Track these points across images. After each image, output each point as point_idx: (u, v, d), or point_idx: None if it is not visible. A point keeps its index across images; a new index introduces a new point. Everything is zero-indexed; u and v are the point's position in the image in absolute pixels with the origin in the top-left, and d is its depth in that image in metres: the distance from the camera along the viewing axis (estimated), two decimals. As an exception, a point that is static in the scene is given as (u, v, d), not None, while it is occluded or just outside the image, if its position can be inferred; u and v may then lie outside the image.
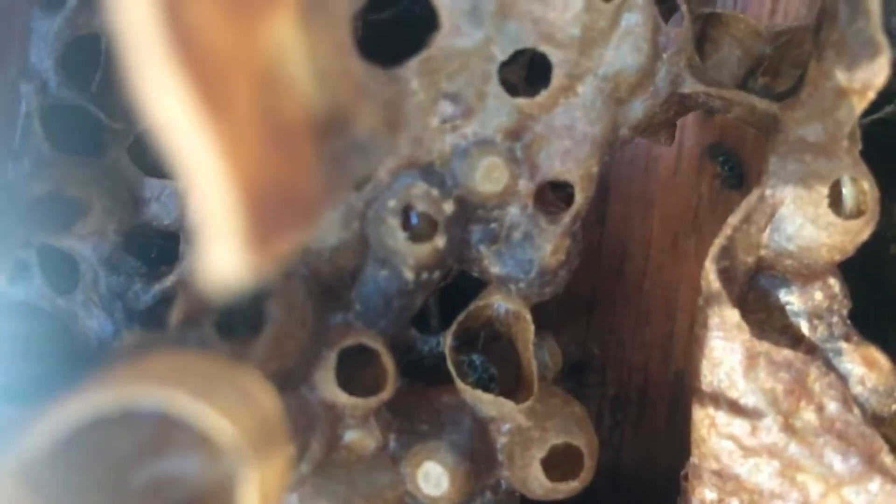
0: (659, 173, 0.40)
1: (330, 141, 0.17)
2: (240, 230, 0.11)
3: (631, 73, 0.27)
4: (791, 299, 0.28)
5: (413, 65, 0.24)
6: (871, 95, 0.24)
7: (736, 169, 0.39)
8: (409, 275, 0.25)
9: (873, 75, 0.24)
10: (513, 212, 0.27)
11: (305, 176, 0.16)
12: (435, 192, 0.25)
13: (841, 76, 0.24)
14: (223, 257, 0.11)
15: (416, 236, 0.25)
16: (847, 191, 0.27)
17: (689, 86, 0.28)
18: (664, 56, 0.28)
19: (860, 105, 0.25)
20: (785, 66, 0.31)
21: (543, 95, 0.26)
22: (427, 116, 0.25)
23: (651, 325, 0.41)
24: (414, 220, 0.25)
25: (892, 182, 0.35)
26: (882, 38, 0.23)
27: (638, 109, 0.28)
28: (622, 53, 0.26)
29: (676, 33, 0.28)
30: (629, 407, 0.41)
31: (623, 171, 0.40)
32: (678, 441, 0.37)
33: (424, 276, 0.26)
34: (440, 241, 0.25)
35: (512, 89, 0.26)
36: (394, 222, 0.25)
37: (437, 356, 0.29)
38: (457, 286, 0.30)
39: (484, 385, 0.28)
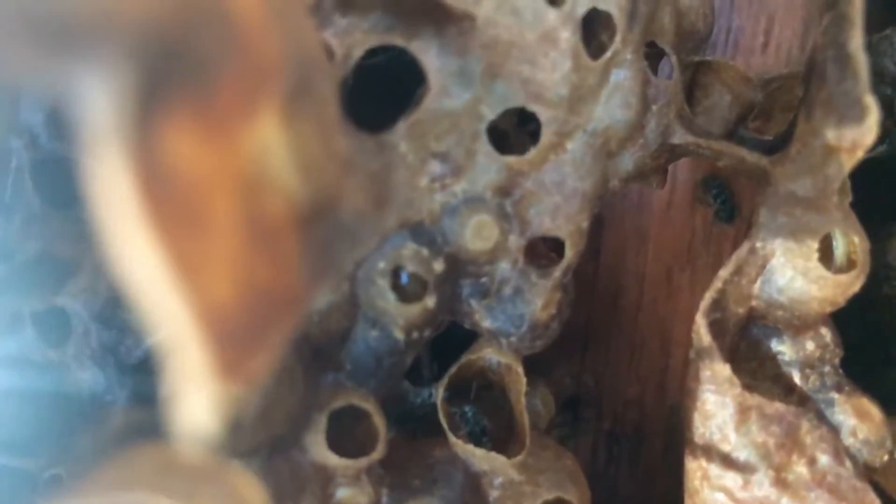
0: (653, 207, 0.40)
1: (315, 230, 0.17)
2: (214, 374, 0.11)
3: (620, 128, 0.27)
4: (783, 349, 0.28)
5: (401, 128, 0.24)
6: (861, 154, 0.24)
7: (728, 202, 0.39)
8: (399, 335, 0.25)
9: (862, 136, 0.23)
10: (503, 267, 0.27)
11: (289, 274, 0.16)
12: (425, 251, 0.25)
13: (829, 134, 0.24)
14: (197, 404, 0.11)
15: (406, 296, 0.25)
16: (838, 244, 0.27)
17: (679, 137, 0.28)
18: (654, 108, 0.28)
19: (849, 163, 0.25)
20: (776, 111, 0.31)
21: (532, 153, 0.26)
22: (416, 177, 0.25)
23: (646, 358, 0.41)
24: (404, 279, 0.25)
25: (884, 222, 0.35)
26: (870, 100, 0.23)
27: (628, 161, 0.28)
28: (611, 109, 0.26)
29: (666, 85, 0.28)
30: (624, 441, 0.41)
31: (617, 204, 0.40)
32: (674, 475, 0.37)
33: (415, 335, 0.26)
34: (430, 301, 0.25)
35: (503, 136, 0.26)
36: (383, 283, 0.25)
37: (429, 407, 0.29)
38: (449, 332, 0.30)
39: (476, 437, 0.28)
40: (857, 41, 0.23)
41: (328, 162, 0.18)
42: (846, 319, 0.29)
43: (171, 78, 0.10)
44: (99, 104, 0.09)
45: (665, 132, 0.28)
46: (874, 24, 0.36)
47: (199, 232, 0.12)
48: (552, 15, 0.24)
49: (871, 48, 0.34)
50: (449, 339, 0.29)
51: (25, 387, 0.29)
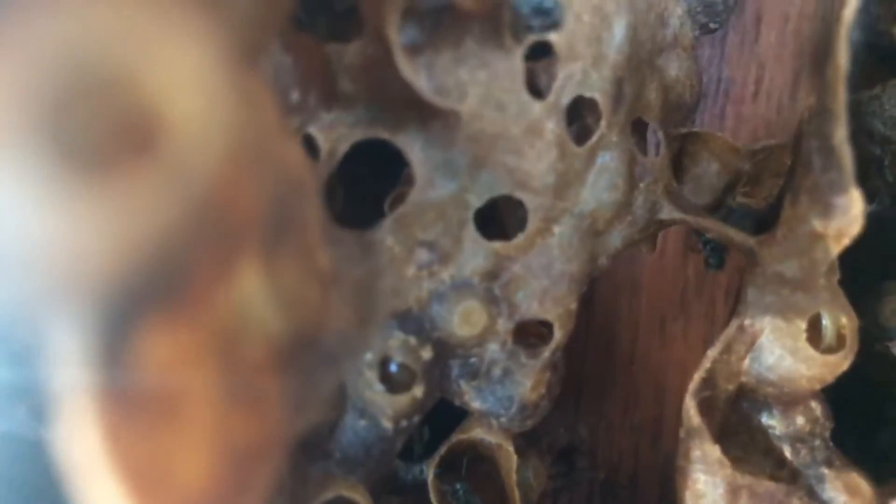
0: (645, 256, 0.40)
1: (296, 363, 0.17)
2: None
3: (607, 209, 0.27)
4: (773, 423, 0.28)
5: (387, 224, 0.24)
6: (847, 242, 0.24)
7: (717, 249, 0.39)
8: (387, 424, 0.25)
9: (847, 226, 0.23)
10: (492, 348, 0.27)
11: (270, 420, 0.16)
12: (413, 340, 0.25)
13: (815, 222, 0.24)
14: None
15: (395, 387, 0.25)
16: (827, 322, 0.27)
17: (667, 213, 0.28)
18: (641, 185, 0.28)
19: (836, 248, 0.25)
20: (765, 176, 0.31)
21: (520, 238, 0.26)
22: (403, 267, 0.25)
23: (640, 408, 0.41)
24: (392, 368, 0.25)
25: (876, 280, 0.35)
26: (856, 193, 0.23)
27: (616, 239, 0.28)
28: (598, 191, 0.26)
29: (653, 163, 0.28)
30: (620, 490, 0.41)
31: (609, 255, 0.40)
32: (669, 525, 0.37)
33: (403, 423, 0.26)
34: (419, 391, 0.25)
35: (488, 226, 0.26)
36: (371, 375, 0.25)
37: (420, 482, 0.29)
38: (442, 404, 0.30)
39: (468, 515, 0.28)
40: (841, 135, 0.23)
41: (310, 289, 0.18)
42: (837, 378, 0.29)
43: (143, 302, 0.10)
44: (65, 358, 0.09)
45: (653, 208, 0.28)
46: (866, 78, 0.36)
47: (172, 426, 0.12)
48: (537, 107, 0.24)
49: (860, 107, 0.34)
50: (441, 413, 0.29)
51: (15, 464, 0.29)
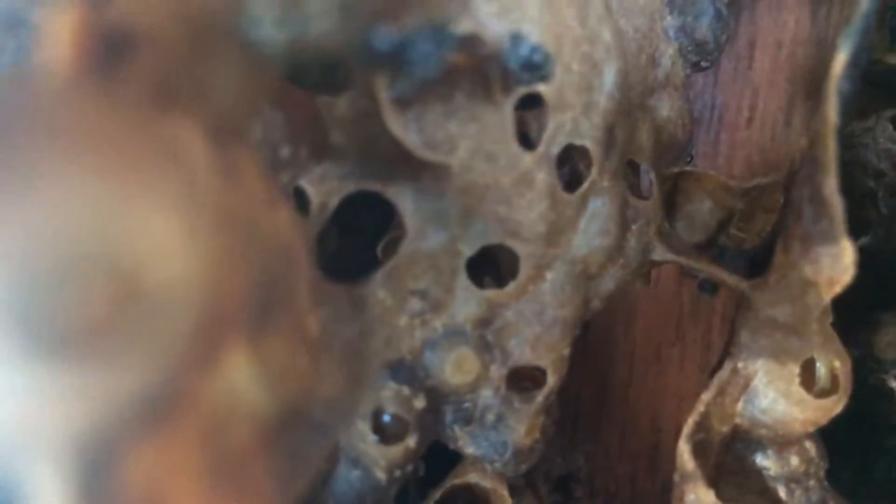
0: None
1: (284, 439, 0.17)
2: None
3: (599, 254, 0.27)
4: (768, 464, 0.28)
5: (378, 277, 0.24)
6: (839, 289, 0.24)
7: (713, 275, 0.39)
8: (381, 475, 0.25)
9: (839, 275, 0.23)
10: (485, 394, 0.27)
11: (258, 500, 0.16)
12: (405, 390, 0.25)
13: (807, 269, 0.24)
14: None
15: (388, 437, 0.25)
16: (820, 364, 0.27)
17: (660, 254, 0.28)
18: (633, 228, 0.28)
19: (828, 295, 0.25)
20: (758, 212, 0.31)
21: (512, 286, 0.26)
22: (395, 317, 0.25)
23: (636, 435, 0.41)
24: (386, 418, 0.25)
25: (871, 314, 0.35)
26: (847, 243, 0.23)
27: (609, 282, 0.28)
28: (590, 237, 0.26)
29: (645, 205, 0.28)
30: (617, 518, 0.41)
31: (604, 283, 0.40)
32: (666, 553, 0.37)
33: (397, 473, 0.26)
34: (412, 441, 0.25)
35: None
36: (364, 427, 0.25)
37: (415, 526, 0.29)
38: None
39: (462, 559, 0.28)
40: (831, 186, 0.23)
41: (299, 361, 0.18)
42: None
43: (125, 437, 0.10)
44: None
45: (645, 250, 0.28)
46: (861, 106, 0.36)
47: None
48: (527, 158, 0.24)
49: (853, 139, 0.34)
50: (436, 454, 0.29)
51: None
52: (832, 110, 0.22)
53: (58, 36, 0.09)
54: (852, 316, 0.29)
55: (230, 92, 0.15)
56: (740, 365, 0.27)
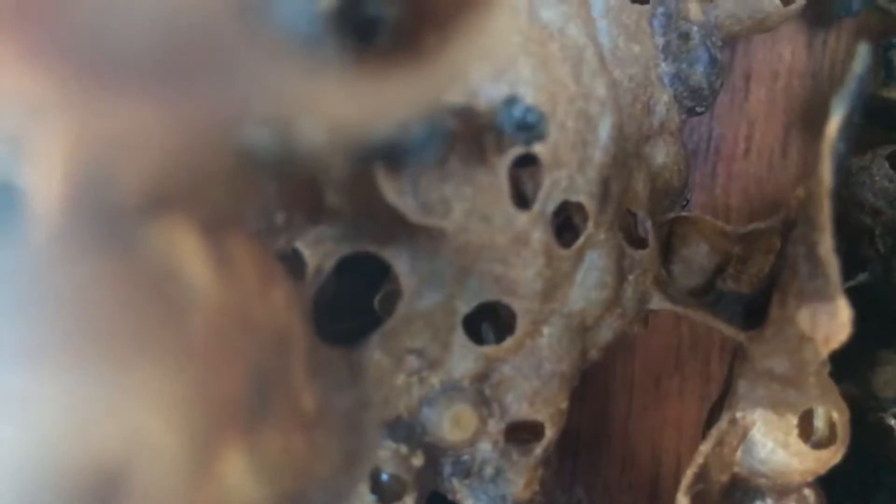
0: (639, 317, 0.40)
1: (282, 526, 0.17)
2: None
3: (596, 307, 0.27)
4: (767, 511, 0.28)
5: (374, 339, 0.24)
6: (835, 346, 0.24)
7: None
8: (380, 534, 0.25)
9: (835, 333, 0.23)
10: (483, 447, 0.27)
11: None
12: (403, 448, 0.25)
13: (803, 325, 0.24)
14: None
15: (386, 496, 0.25)
16: (818, 417, 0.27)
17: (657, 303, 0.28)
18: (630, 278, 0.28)
19: (825, 350, 0.25)
20: (755, 253, 0.31)
21: (509, 342, 0.26)
22: (393, 376, 0.25)
23: (636, 467, 0.41)
24: (384, 477, 0.25)
25: (869, 350, 0.35)
26: (843, 302, 0.23)
27: (606, 332, 0.28)
28: (587, 291, 0.26)
29: (641, 255, 0.28)
30: (618, 550, 0.41)
31: (603, 316, 0.40)
32: (667, 585, 0.37)
33: (397, 531, 0.26)
34: (410, 500, 0.25)
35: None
36: (362, 488, 0.25)
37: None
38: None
39: None
40: (826, 246, 0.23)
41: (295, 446, 0.18)
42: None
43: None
44: None
45: (642, 299, 0.28)
46: (858, 139, 0.36)
47: None
48: (523, 218, 0.24)
49: (850, 177, 0.34)
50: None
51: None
52: (827, 172, 0.22)
53: (46, 186, 0.09)
54: (850, 353, 0.29)
55: (224, 187, 0.15)
56: (738, 415, 0.27)
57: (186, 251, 0.14)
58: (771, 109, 0.40)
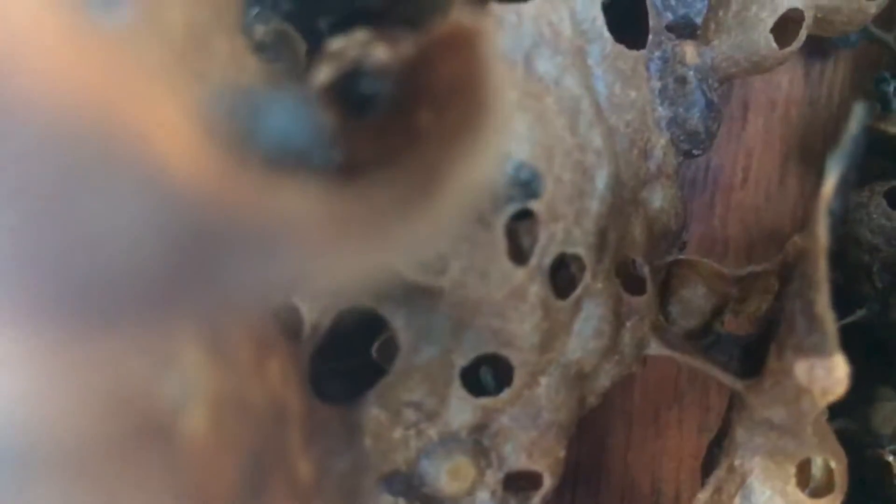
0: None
1: None
2: None
3: (594, 356, 0.27)
4: (765, 555, 0.28)
5: (371, 396, 0.24)
6: (832, 399, 0.24)
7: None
8: (379, 587, 0.25)
9: (832, 386, 0.23)
10: (482, 498, 0.27)
11: None
12: (402, 502, 0.25)
13: (801, 378, 0.24)
14: None
15: (385, 550, 0.25)
16: (816, 466, 0.27)
17: (654, 349, 0.28)
18: (627, 324, 0.28)
19: (823, 402, 0.25)
20: (753, 292, 0.31)
21: (507, 393, 0.26)
22: (390, 431, 0.25)
23: (636, 498, 0.41)
24: (382, 530, 0.25)
25: (868, 386, 0.35)
26: (840, 357, 0.23)
27: (604, 379, 0.28)
28: (584, 340, 0.26)
29: (638, 302, 0.28)
30: (618, 581, 0.41)
31: (601, 347, 0.40)
32: None
33: (396, 584, 0.26)
34: (408, 555, 0.25)
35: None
36: (362, 543, 0.25)
37: None
38: None
39: None
40: (823, 303, 0.23)
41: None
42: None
43: None
44: None
45: (640, 345, 0.28)
46: (857, 173, 0.36)
47: None
48: (520, 273, 0.24)
49: (848, 214, 0.34)
50: None
51: None
52: (823, 231, 0.22)
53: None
54: (848, 390, 0.29)
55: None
56: (737, 462, 0.27)
57: (186, 349, 0.14)
58: (768, 139, 0.40)
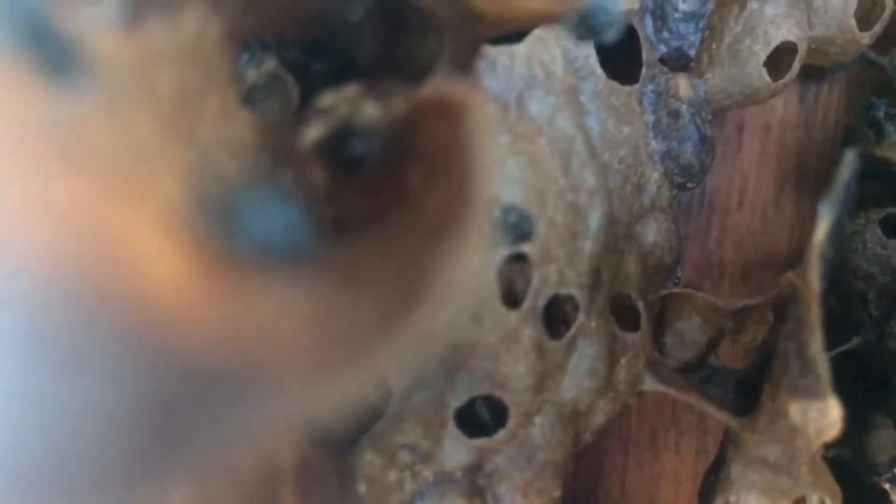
0: (634, 371, 0.40)
1: None
2: None
3: (589, 394, 0.27)
4: (761, 590, 0.28)
5: (365, 441, 0.24)
6: (827, 439, 0.24)
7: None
8: None
9: (826, 428, 0.23)
10: (478, 536, 0.27)
11: None
12: (397, 545, 0.25)
13: (795, 419, 0.24)
14: None
15: None
16: (812, 502, 0.27)
17: (650, 385, 0.28)
18: (622, 361, 0.28)
19: (817, 442, 0.25)
20: (749, 323, 0.31)
21: (502, 434, 0.26)
22: (385, 474, 0.25)
23: (634, 521, 0.41)
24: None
25: (863, 414, 0.35)
26: (833, 400, 0.23)
27: (600, 416, 0.28)
28: (578, 379, 0.26)
29: (633, 338, 0.28)
30: None
31: (598, 371, 0.40)
32: None
33: None
34: None
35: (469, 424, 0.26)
36: (357, 588, 0.25)
37: None
38: None
39: None
40: (816, 347, 0.23)
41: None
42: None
43: None
44: None
45: (635, 381, 0.28)
46: (854, 200, 0.36)
47: None
48: (513, 317, 0.24)
49: (843, 242, 0.34)
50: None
51: None
52: (815, 277, 0.22)
53: None
54: (844, 417, 0.29)
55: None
56: (732, 499, 0.27)
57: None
58: (764, 162, 0.40)
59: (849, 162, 0.22)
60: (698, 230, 0.40)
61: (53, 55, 0.11)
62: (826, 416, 0.24)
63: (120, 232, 0.09)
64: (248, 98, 0.25)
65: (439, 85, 0.15)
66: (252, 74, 0.25)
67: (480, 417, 0.27)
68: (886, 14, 0.31)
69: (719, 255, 0.41)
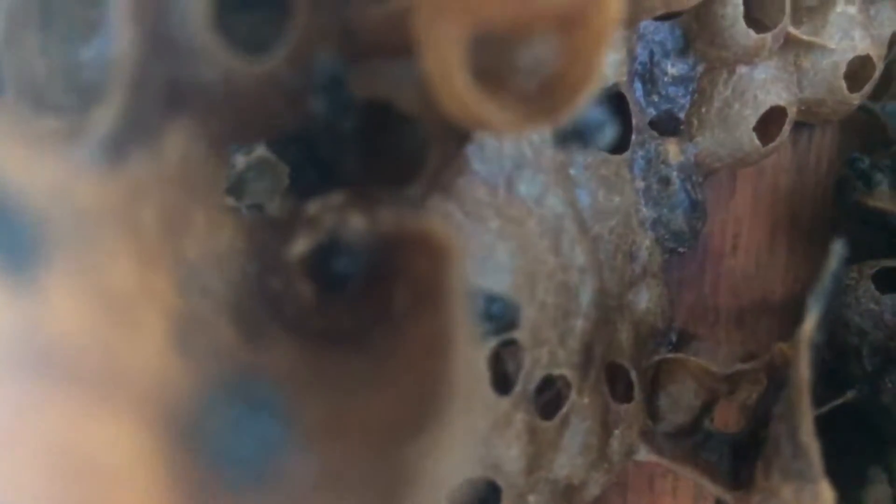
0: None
1: None
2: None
3: (582, 469, 0.27)
4: None
5: None
6: (821, 520, 0.24)
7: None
8: None
9: (819, 511, 0.23)
10: None
11: None
12: None
13: (788, 500, 0.24)
14: None
15: None
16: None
17: (643, 454, 0.28)
18: (616, 432, 0.28)
19: (813, 517, 0.25)
20: (743, 383, 0.31)
21: (495, 513, 0.26)
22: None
23: (632, 566, 0.41)
24: None
25: (859, 467, 0.35)
26: (825, 483, 0.23)
27: (593, 488, 0.28)
28: (572, 455, 0.26)
29: (626, 409, 0.28)
30: None
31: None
32: None
33: None
34: None
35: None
36: None
37: None
38: None
39: None
40: (807, 432, 0.23)
41: None
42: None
43: None
44: None
45: (628, 452, 0.28)
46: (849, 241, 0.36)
47: None
48: (505, 402, 0.24)
49: (836, 296, 0.34)
50: None
51: None
52: (804, 365, 0.22)
53: None
54: (840, 472, 0.29)
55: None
56: (728, 567, 0.27)
57: None
58: (757, 206, 0.40)
59: (836, 252, 0.22)
60: (693, 275, 0.40)
61: (10, 253, 0.11)
62: (818, 499, 0.24)
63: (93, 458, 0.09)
64: (238, 186, 0.25)
65: (424, 220, 0.15)
66: (241, 161, 0.25)
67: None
68: (876, 74, 0.31)
69: (714, 300, 0.40)
